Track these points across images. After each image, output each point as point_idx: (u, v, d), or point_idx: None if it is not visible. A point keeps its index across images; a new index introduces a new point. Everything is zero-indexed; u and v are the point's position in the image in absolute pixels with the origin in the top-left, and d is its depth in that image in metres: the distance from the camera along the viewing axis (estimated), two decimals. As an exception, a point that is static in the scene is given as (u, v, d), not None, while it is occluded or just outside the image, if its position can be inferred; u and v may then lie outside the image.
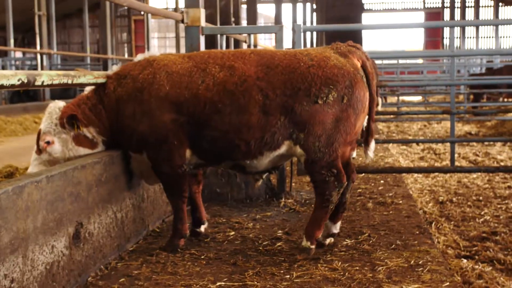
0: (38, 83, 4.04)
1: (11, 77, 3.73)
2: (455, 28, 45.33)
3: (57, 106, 5.19)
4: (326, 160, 4.82)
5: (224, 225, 6.10)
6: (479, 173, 10.08)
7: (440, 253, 5.14)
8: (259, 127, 4.82)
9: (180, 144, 4.97)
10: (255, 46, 13.34)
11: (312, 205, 6.82)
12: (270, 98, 4.79)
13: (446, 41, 45.83)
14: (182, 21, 7.20)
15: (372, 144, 5.21)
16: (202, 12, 7.23)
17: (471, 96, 20.70)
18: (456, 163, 11.80)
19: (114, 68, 5.26)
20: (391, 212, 6.62)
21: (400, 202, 7.11)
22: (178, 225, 5.22)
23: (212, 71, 4.93)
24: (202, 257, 5.07)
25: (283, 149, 4.93)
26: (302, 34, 7.21)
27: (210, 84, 4.88)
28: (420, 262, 4.83)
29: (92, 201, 4.59)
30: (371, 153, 5.22)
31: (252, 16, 17.89)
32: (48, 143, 5.03)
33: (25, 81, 3.87)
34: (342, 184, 4.88)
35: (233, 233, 5.79)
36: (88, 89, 5.21)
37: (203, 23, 7.20)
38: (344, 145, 4.98)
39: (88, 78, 4.91)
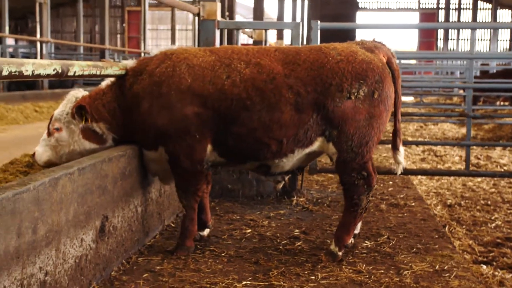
0: (70, 73, 3.95)
1: (48, 66, 3.63)
2: (450, 30, 45.49)
3: (75, 95, 5.10)
4: (358, 161, 4.74)
5: (239, 222, 6.03)
6: (484, 177, 10.06)
7: (463, 259, 5.09)
8: (292, 124, 4.72)
9: (202, 138, 4.82)
10: (260, 42, 13.26)
11: (325, 205, 6.84)
12: (301, 95, 4.70)
13: (440, 43, 45.93)
14: (198, 15, 7.12)
15: (401, 148, 5.09)
16: (219, 6, 7.15)
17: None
18: (459, 166, 11.82)
19: (129, 63, 5.09)
20: (405, 214, 6.57)
21: (413, 204, 7.06)
22: (189, 226, 5.03)
23: (237, 67, 4.81)
24: (223, 254, 5.00)
25: (315, 145, 4.83)
26: (318, 31, 7.13)
27: (236, 80, 4.76)
28: (445, 268, 4.78)
29: (117, 195, 4.51)
30: (401, 157, 5.05)
31: (259, 12, 17.76)
32: (57, 129, 4.95)
33: (60, 71, 3.78)
34: (371, 188, 4.82)
35: (249, 230, 5.72)
36: (104, 83, 5.09)
37: (219, 17, 7.12)
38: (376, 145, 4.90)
39: (114, 69, 4.82)
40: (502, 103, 21.76)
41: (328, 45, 4.99)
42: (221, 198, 6.96)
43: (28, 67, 3.38)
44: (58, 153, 4.90)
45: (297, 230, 5.77)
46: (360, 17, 47.78)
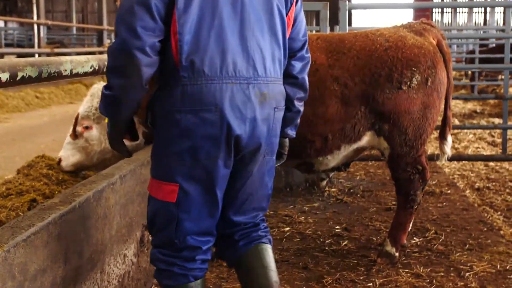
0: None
1: (85, 63, 3.23)
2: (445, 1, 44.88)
3: (101, 88, 4.65)
4: (413, 155, 4.35)
5: (274, 219, 5.66)
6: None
7: (523, 256, 4.75)
8: (338, 119, 4.30)
9: None
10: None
11: (358, 195, 6.48)
12: (348, 87, 4.28)
13: (436, 16, 45.33)
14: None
15: (449, 137, 4.71)
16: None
17: (470, 73, 20.33)
18: (476, 145, 11.46)
19: None
20: (445, 204, 6.22)
21: (449, 192, 6.73)
22: None
23: None
24: (267, 258, 4.62)
25: (364, 140, 4.41)
26: (347, 12, 6.71)
27: None
28: (508, 267, 4.45)
29: (154, 200, 4.10)
30: (448, 148, 4.68)
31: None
32: (86, 128, 4.51)
33: (97, 67, 3.38)
34: (426, 182, 4.43)
35: (287, 228, 5.36)
36: None
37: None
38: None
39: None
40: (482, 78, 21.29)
41: (374, 31, 4.56)
42: (248, 191, 6.57)
43: (67, 66, 2.98)
44: (89, 154, 4.47)
45: (337, 227, 5.41)
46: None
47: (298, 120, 3.28)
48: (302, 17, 3.16)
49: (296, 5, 3.05)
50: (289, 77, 3.07)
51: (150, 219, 2.87)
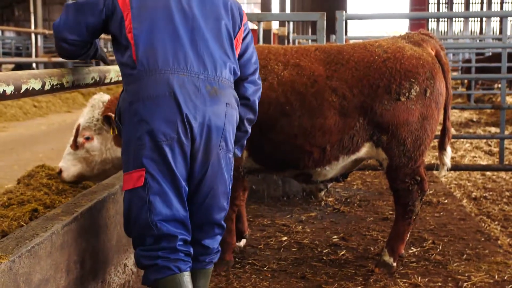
0: (107, 80, 3.58)
1: (86, 75, 3.26)
2: (442, 10, 44.99)
3: (101, 99, 4.70)
4: (411, 166, 4.39)
5: (272, 228, 5.69)
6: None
7: (520, 266, 4.78)
8: (336, 130, 4.33)
9: None
10: (269, 31, 12.83)
11: (355, 205, 6.51)
12: (346, 98, 4.31)
13: (432, 24, 45.41)
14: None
15: (449, 148, 4.74)
16: (237, -3, 6.74)
17: (466, 82, 20.39)
18: (473, 154, 11.50)
19: None
20: (442, 213, 6.25)
21: (446, 201, 6.75)
22: (227, 238, 4.61)
23: (275, 69, 4.40)
24: (265, 268, 4.66)
25: (363, 151, 4.44)
26: (344, 22, 6.75)
27: (274, 83, 4.36)
28: (505, 278, 4.47)
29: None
30: (448, 159, 4.72)
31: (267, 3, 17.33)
32: (87, 138, 4.54)
33: (97, 79, 3.42)
34: (425, 192, 4.47)
35: (285, 238, 5.38)
36: None
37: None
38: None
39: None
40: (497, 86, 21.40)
41: (373, 42, 4.60)
42: (247, 200, 6.58)
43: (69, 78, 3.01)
44: (90, 165, 4.51)
45: (335, 236, 5.43)
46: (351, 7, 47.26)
47: (245, 142, 3.60)
48: (252, 46, 3.55)
49: (244, 31, 3.46)
50: (242, 98, 3.41)
51: (126, 214, 3.04)
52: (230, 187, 3.34)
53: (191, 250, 3.14)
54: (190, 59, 3.08)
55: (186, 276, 3.06)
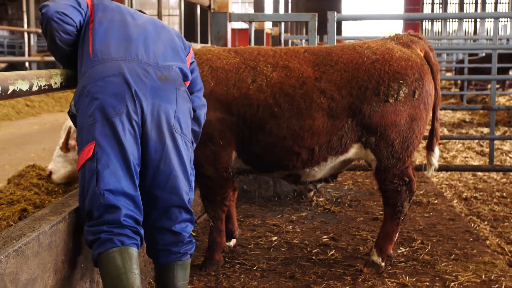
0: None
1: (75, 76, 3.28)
2: (436, 10, 45.10)
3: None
4: (400, 167, 4.42)
5: (262, 228, 5.72)
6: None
7: (507, 266, 4.82)
8: (324, 132, 4.36)
9: (226, 145, 4.46)
10: (261, 31, 12.88)
11: (346, 205, 6.54)
12: (335, 100, 4.34)
13: (426, 24, 45.49)
14: (209, 7, 6.75)
15: (437, 149, 4.77)
16: (230, -2, 6.78)
17: (459, 82, 20.46)
18: (464, 155, 11.55)
19: None
20: (431, 214, 6.29)
21: (436, 202, 6.78)
22: (217, 238, 4.69)
23: (264, 71, 4.42)
24: (255, 268, 4.68)
25: (351, 152, 4.48)
26: (335, 23, 6.79)
27: (262, 85, 4.38)
28: (492, 277, 4.50)
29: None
30: (435, 160, 4.75)
31: (260, 3, 17.33)
32: None
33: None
34: (413, 193, 4.50)
35: (275, 238, 5.40)
36: None
37: (231, 9, 6.76)
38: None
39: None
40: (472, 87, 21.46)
41: (362, 44, 4.62)
42: (237, 199, 6.62)
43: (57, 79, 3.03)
44: None
45: (325, 236, 5.46)
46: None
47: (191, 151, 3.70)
48: (197, 72, 3.92)
49: (192, 57, 3.88)
50: None
51: (80, 189, 3.11)
52: (193, 177, 3.50)
53: (142, 231, 3.17)
54: (141, 52, 3.38)
55: (131, 251, 3.03)
